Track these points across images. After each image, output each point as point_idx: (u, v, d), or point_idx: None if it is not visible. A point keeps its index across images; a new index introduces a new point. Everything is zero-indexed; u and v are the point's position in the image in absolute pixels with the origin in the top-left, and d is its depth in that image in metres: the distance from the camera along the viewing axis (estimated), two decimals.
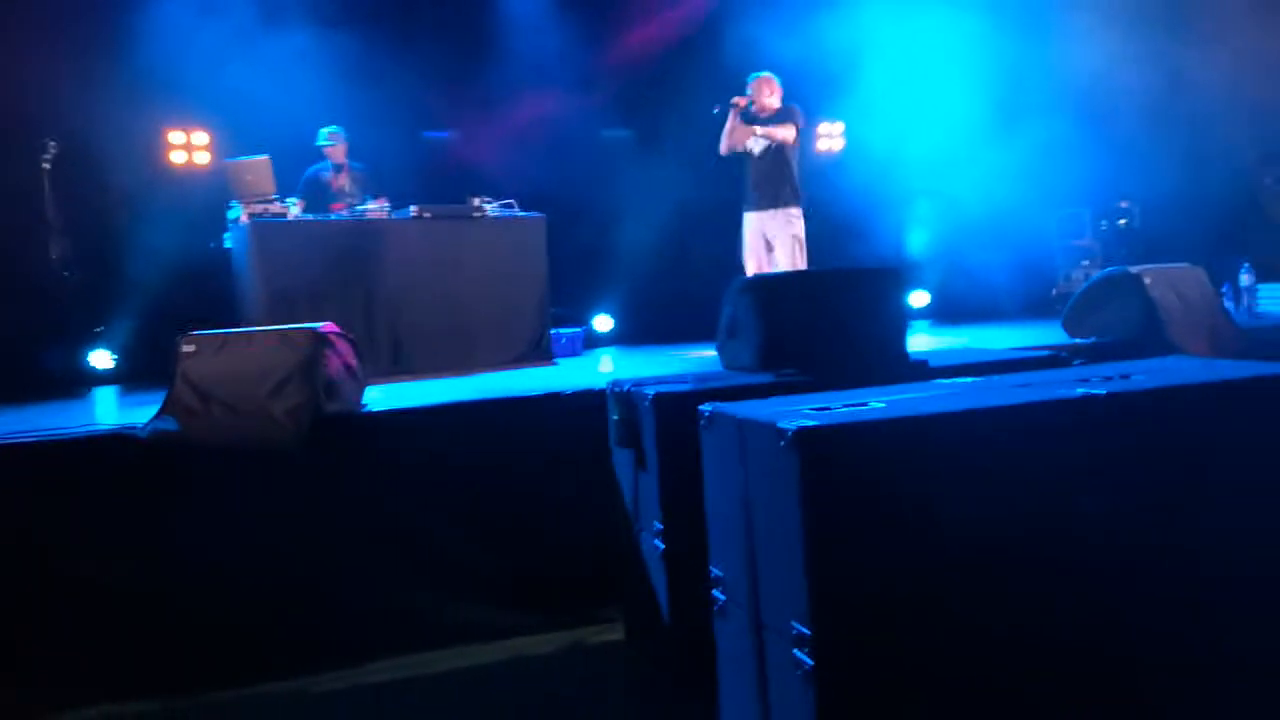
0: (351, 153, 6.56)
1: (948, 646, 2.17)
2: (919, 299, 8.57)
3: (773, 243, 6.18)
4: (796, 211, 6.18)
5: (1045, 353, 3.85)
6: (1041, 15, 7.70)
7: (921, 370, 3.44)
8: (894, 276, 3.69)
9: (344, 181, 6.46)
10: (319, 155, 6.53)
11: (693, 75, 8.11)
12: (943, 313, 8.52)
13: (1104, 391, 2.40)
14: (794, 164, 6.19)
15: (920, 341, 6.03)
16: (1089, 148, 7.78)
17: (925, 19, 7.67)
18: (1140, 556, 2.33)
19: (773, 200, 6.18)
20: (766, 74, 6.33)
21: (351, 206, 6.22)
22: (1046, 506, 2.26)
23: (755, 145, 6.19)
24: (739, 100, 6.20)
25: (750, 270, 6.23)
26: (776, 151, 6.14)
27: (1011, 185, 8.11)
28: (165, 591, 3.73)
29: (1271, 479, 2.46)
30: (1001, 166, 8.01)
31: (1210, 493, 2.42)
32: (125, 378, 6.61)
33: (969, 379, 2.95)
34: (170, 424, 3.88)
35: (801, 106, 6.32)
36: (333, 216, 6.04)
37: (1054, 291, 8.40)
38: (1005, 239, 8.45)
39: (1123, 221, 8.30)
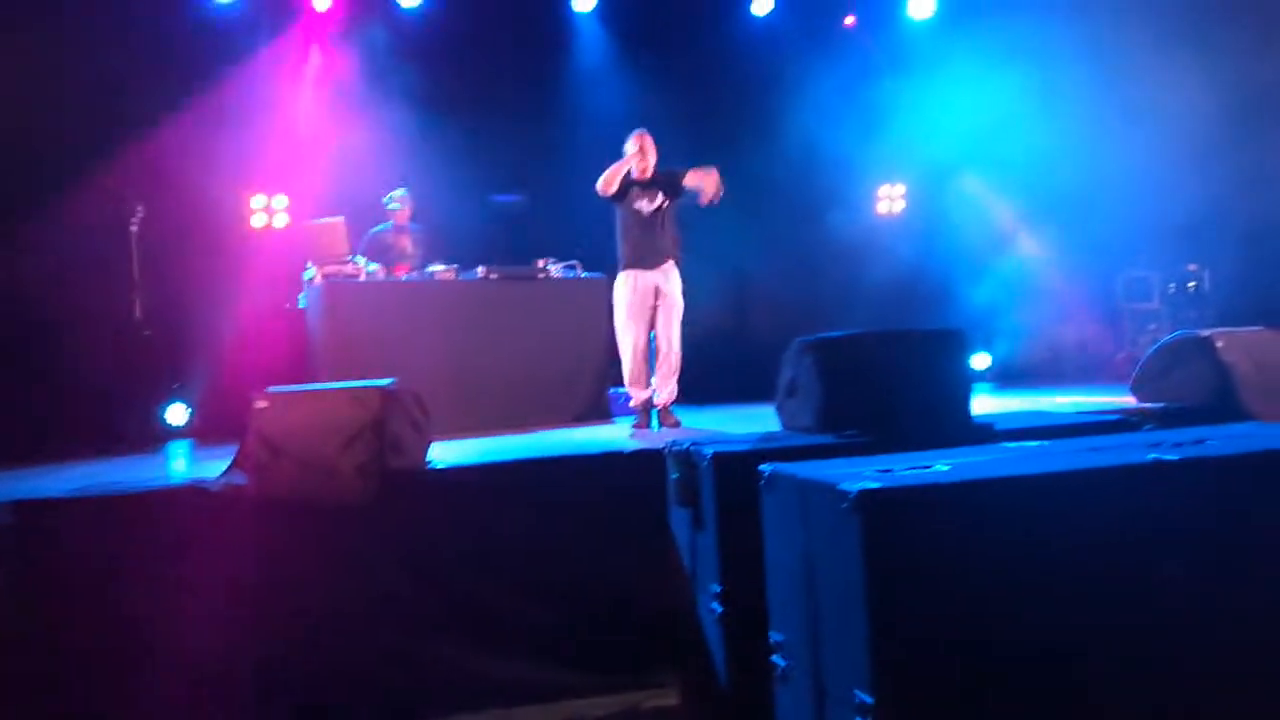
0: (414, 215, 6.76)
1: (1013, 716, 2.11)
2: (981, 361, 8.46)
3: (663, 299, 5.70)
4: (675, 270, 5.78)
5: (1114, 417, 3.77)
6: (1106, 77, 7.67)
7: (986, 433, 3.39)
8: (956, 338, 3.65)
9: (406, 243, 6.65)
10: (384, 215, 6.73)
11: (752, 137, 8.25)
12: (1005, 375, 8.39)
13: (1176, 457, 2.35)
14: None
15: (984, 404, 5.93)
16: (1157, 209, 7.67)
17: (989, 76, 7.67)
18: (1210, 623, 2.25)
19: (660, 258, 5.72)
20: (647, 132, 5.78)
21: (414, 267, 6.39)
22: (1115, 572, 2.21)
23: (644, 205, 5.74)
24: (639, 156, 5.69)
25: (627, 333, 5.71)
26: (667, 210, 5.76)
27: (1075, 247, 8.03)
28: (234, 644, 3.80)
29: None
30: (1067, 228, 7.95)
31: None
32: (200, 433, 6.80)
33: (1035, 442, 2.91)
34: (240, 478, 4.00)
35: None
36: (403, 278, 6.22)
37: (1119, 355, 8.24)
38: (1069, 302, 8.34)
39: (1192, 285, 8.13)
